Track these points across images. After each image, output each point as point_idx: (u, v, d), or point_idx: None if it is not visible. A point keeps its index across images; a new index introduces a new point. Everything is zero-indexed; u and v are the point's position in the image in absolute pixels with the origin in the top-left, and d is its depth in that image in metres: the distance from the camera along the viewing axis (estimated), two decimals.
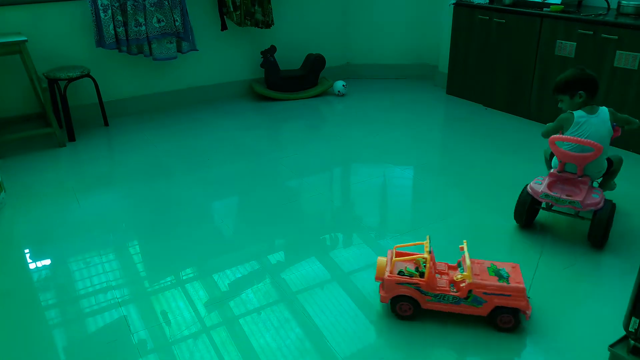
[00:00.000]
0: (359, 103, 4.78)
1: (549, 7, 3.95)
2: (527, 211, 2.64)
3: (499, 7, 4.26)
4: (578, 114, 2.52)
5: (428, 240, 2.15)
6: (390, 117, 4.42)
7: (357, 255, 2.52)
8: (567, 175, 2.55)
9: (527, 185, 2.65)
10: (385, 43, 5.39)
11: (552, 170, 2.58)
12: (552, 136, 2.50)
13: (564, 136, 2.50)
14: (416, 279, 2.04)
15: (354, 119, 4.39)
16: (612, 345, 1.74)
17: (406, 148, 3.78)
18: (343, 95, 4.98)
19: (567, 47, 3.81)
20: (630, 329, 1.67)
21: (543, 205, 2.65)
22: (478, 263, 2.14)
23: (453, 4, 4.62)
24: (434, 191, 3.16)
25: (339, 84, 4.97)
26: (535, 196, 2.55)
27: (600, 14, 3.70)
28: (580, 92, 2.53)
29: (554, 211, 2.69)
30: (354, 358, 1.90)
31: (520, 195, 2.66)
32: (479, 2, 4.44)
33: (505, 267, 2.12)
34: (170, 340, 1.99)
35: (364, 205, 3.03)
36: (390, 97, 4.94)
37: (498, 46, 4.33)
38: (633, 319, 1.66)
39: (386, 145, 3.84)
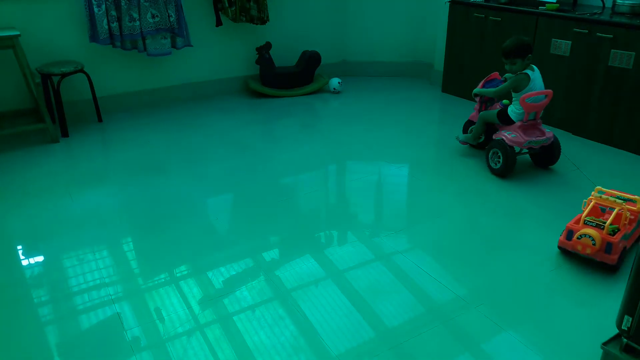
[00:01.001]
0: (354, 100, 4.78)
1: (544, 6, 3.96)
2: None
3: (495, 5, 4.27)
4: (529, 72, 3.13)
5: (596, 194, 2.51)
6: (386, 114, 4.41)
7: (352, 252, 2.52)
8: (530, 122, 3.16)
9: (497, 144, 3.18)
10: (381, 40, 5.39)
11: (519, 123, 3.16)
12: (524, 95, 3.08)
13: (533, 92, 3.10)
14: (626, 227, 2.34)
15: (349, 117, 4.38)
16: (605, 343, 1.75)
17: (401, 145, 3.78)
18: (339, 92, 4.97)
19: (562, 46, 3.81)
20: (623, 327, 1.68)
21: (517, 150, 3.22)
22: (608, 195, 2.48)
23: (449, 1, 4.62)
24: (428, 188, 3.16)
25: (335, 81, 4.96)
26: (520, 146, 3.13)
27: (595, 13, 3.71)
28: (529, 55, 3.10)
29: (523, 153, 3.29)
30: (348, 355, 1.90)
31: (504, 153, 3.14)
32: (475, 0, 4.44)
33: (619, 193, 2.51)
34: (164, 338, 1.99)
35: (358, 202, 3.02)
36: (385, 94, 4.93)
37: (494, 44, 4.33)
38: (626, 317, 1.66)
39: (381, 142, 3.83)
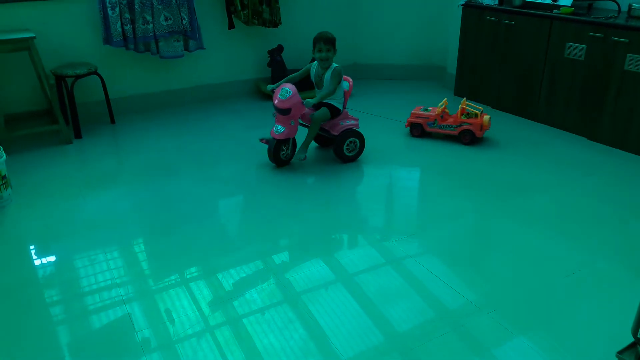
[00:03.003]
0: (365, 103, 4.76)
1: (559, 9, 3.92)
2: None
3: (508, 8, 4.24)
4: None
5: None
6: (397, 117, 4.40)
7: (362, 256, 2.51)
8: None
9: (351, 134, 3.42)
10: (393, 43, 5.37)
11: (345, 111, 3.49)
12: (351, 84, 3.56)
13: (350, 81, 3.57)
14: None
15: (360, 120, 4.36)
16: (620, 352, 1.72)
17: (412, 149, 3.76)
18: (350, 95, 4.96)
19: (577, 50, 3.78)
20: (638, 336, 1.65)
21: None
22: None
23: (462, 5, 4.60)
24: (439, 193, 3.14)
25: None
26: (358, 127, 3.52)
27: (610, 17, 3.67)
28: None
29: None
30: (357, 359, 1.89)
31: (361, 138, 3.48)
32: (488, 3, 4.41)
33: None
34: (174, 339, 1.99)
35: (369, 206, 3.01)
36: (397, 97, 4.91)
37: (507, 48, 4.30)
38: None
39: (392, 146, 3.82)
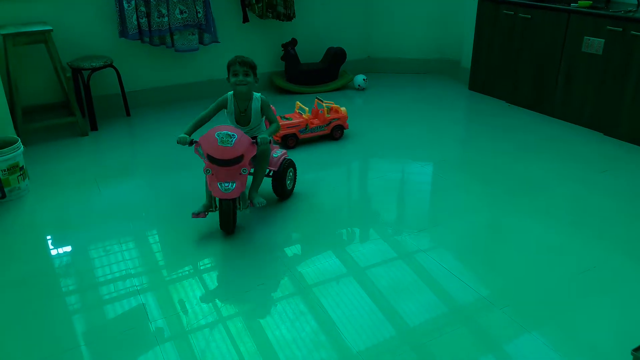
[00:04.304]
0: (379, 97, 4.75)
1: (576, 3, 3.87)
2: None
3: (525, 2, 4.18)
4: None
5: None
6: (411, 112, 4.38)
7: (374, 250, 2.51)
8: None
9: (289, 165, 2.91)
10: (407, 37, 5.34)
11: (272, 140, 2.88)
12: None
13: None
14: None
15: (373, 114, 4.36)
16: (635, 350, 1.70)
17: (426, 144, 3.75)
18: (363, 89, 4.95)
19: (594, 44, 3.72)
20: None
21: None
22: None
23: None
24: (453, 188, 3.12)
25: (360, 78, 4.94)
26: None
27: (630, 11, 3.61)
28: None
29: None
30: (369, 352, 1.89)
31: (295, 169, 3.01)
32: None
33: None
34: (187, 329, 2.01)
35: (381, 200, 3.01)
36: (411, 92, 4.89)
37: (523, 42, 4.25)
38: None
39: (406, 140, 3.80)
